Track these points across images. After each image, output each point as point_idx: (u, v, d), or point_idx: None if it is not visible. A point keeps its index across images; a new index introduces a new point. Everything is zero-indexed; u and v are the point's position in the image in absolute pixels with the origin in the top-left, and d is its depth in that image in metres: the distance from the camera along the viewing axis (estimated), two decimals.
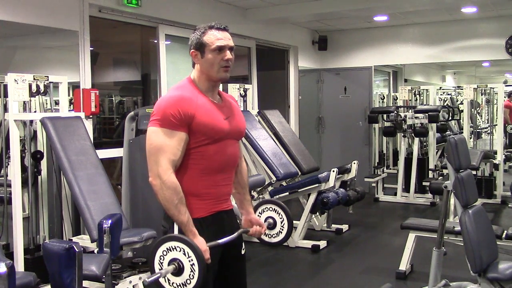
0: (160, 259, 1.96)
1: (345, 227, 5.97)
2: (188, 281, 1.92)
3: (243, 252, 2.29)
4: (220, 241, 2.08)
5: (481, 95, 8.29)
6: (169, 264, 1.94)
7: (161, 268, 1.96)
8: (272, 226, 2.46)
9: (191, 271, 1.91)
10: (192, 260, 1.91)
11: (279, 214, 2.45)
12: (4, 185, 4.16)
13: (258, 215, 2.48)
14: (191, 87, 2.13)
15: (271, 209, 2.47)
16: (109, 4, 4.96)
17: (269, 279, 4.49)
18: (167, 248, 1.95)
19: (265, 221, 2.44)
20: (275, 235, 2.46)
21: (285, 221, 2.44)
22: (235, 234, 2.18)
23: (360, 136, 8.70)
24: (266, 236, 2.47)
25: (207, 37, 2.10)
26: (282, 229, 2.45)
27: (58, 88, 4.15)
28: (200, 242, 1.99)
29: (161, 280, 1.95)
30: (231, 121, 2.18)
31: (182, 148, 2.04)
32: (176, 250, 1.93)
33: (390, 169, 8.61)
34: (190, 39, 2.16)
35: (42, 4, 4.41)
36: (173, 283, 1.95)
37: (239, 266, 2.30)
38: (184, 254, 1.92)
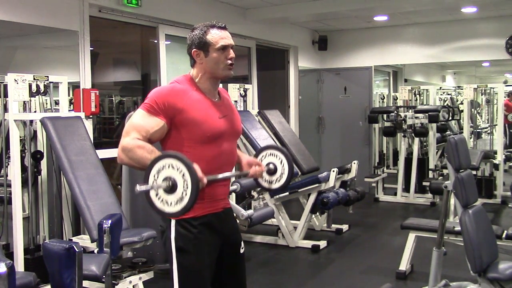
0: (155, 177, 1.90)
1: (345, 227, 5.97)
2: (181, 199, 1.87)
3: (242, 251, 2.28)
4: (219, 176, 2.07)
5: (481, 95, 8.29)
6: (162, 181, 1.89)
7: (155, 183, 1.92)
8: (272, 171, 2.40)
9: (184, 189, 1.86)
10: (185, 177, 1.86)
11: (279, 158, 2.40)
12: (4, 185, 4.16)
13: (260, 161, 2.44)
14: (188, 84, 2.14)
15: (271, 154, 2.42)
16: (109, 4, 4.96)
17: (269, 279, 4.49)
18: (162, 166, 1.90)
19: (266, 166, 2.40)
20: (275, 181, 2.41)
21: (286, 166, 2.39)
22: (233, 173, 2.18)
23: (360, 136, 8.70)
24: (266, 182, 2.42)
25: (210, 36, 2.12)
26: (283, 175, 2.39)
27: (58, 88, 4.15)
28: (196, 165, 1.92)
29: (153, 196, 1.91)
30: (227, 120, 2.18)
31: (154, 132, 2.05)
32: (171, 167, 1.88)
33: (390, 169, 8.61)
34: (189, 38, 2.17)
35: (42, 4, 4.41)
36: (165, 201, 1.89)
37: (238, 265, 2.29)
38: (178, 171, 1.87)
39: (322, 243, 5.27)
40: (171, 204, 1.88)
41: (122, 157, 2.03)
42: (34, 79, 3.90)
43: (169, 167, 1.88)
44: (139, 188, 1.88)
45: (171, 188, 1.86)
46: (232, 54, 2.15)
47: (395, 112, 7.58)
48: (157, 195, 1.90)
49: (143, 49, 6.99)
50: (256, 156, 2.44)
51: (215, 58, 2.12)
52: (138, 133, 2.03)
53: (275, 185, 2.42)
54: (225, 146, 2.15)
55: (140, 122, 2.05)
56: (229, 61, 2.14)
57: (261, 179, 2.41)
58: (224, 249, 2.18)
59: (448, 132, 8.72)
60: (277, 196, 5.32)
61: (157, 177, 1.89)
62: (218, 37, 2.12)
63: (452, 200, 3.39)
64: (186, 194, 1.85)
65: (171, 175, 1.87)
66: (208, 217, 2.11)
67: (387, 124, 7.92)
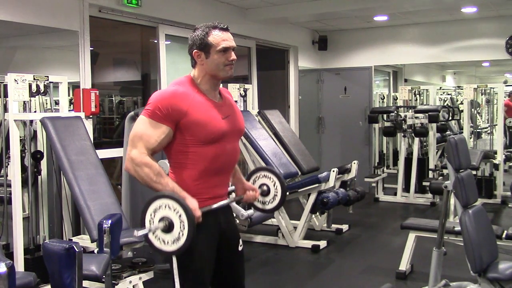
0: (151, 216, 1.96)
1: (345, 227, 5.96)
2: (178, 239, 1.92)
3: (240, 248, 2.30)
4: (214, 205, 2.11)
5: (481, 95, 8.28)
6: (159, 222, 1.95)
7: (152, 225, 1.97)
8: (266, 193, 2.46)
9: (181, 229, 1.91)
10: (182, 218, 1.91)
11: (272, 180, 2.45)
12: (4, 185, 4.16)
13: (251, 183, 2.48)
14: (189, 85, 2.14)
15: (264, 176, 2.47)
16: (109, 4, 4.96)
17: (269, 279, 4.49)
18: (158, 206, 1.95)
19: (259, 188, 2.45)
20: (269, 202, 2.47)
21: (279, 187, 2.43)
22: (229, 200, 2.22)
23: (360, 136, 8.70)
24: (260, 203, 2.48)
25: (212, 37, 2.11)
26: (276, 195, 2.45)
27: (58, 88, 4.15)
28: (192, 202, 1.99)
29: (151, 236, 1.96)
30: (230, 120, 2.18)
31: (161, 140, 2.06)
32: (167, 208, 1.93)
33: (390, 169, 8.61)
34: (190, 39, 2.17)
35: (42, 4, 4.41)
36: (163, 240, 1.95)
37: (237, 263, 2.30)
38: (175, 212, 1.92)
39: (322, 243, 5.27)
40: (168, 243, 1.95)
41: (129, 167, 2.06)
42: (34, 79, 3.89)
43: (165, 207, 1.94)
44: (138, 233, 1.94)
45: (168, 228, 1.93)
46: (233, 56, 2.14)
47: (395, 112, 7.59)
48: (154, 234, 1.96)
49: (143, 49, 6.98)
50: (248, 178, 2.47)
51: (216, 60, 2.12)
52: (145, 145, 2.04)
53: (269, 206, 2.47)
54: (228, 146, 2.16)
55: (146, 132, 2.05)
56: (230, 63, 2.14)
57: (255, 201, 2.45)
58: (222, 245, 2.19)
59: (448, 132, 8.72)
60: None
61: (154, 216, 1.96)
62: (220, 38, 2.11)
63: (452, 200, 3.39)
64: (182, 235, 1.91)
65: (168, 215, 1.93)
66: (206, 216, 2.12)
67: (387, 124, 7.92)
